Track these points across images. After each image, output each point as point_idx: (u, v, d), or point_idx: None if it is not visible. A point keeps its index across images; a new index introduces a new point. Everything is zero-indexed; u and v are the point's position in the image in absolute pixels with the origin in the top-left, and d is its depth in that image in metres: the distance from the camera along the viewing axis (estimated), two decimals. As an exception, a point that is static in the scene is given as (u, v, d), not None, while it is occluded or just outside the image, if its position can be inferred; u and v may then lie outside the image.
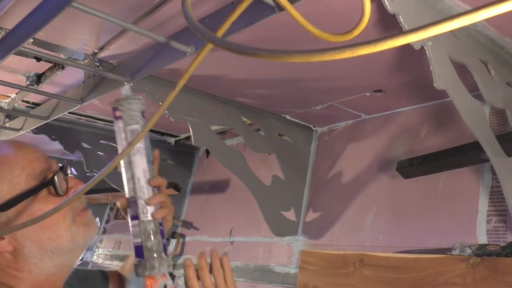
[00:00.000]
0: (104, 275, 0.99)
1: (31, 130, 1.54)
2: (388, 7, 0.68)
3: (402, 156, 1.24)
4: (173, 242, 2.01)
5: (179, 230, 2.02)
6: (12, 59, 1.02)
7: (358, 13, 0.62)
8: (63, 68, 1.18)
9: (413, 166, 1.15)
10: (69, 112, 1.37)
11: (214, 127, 1.63)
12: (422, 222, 1.16)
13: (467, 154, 1.04)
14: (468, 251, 1.00)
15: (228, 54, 0.84)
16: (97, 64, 1.10)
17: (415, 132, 1.27)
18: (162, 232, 0.85)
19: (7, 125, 1.60)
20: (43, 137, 1.67)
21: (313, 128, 1.60)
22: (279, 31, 0.89)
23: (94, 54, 1.09)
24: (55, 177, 0.73)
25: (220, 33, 0.65)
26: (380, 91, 1.20)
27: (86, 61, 1.10)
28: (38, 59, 1.11)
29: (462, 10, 0.78)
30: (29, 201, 0.70)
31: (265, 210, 1.40)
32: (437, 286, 1.02)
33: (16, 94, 1.45)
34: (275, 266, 1.50)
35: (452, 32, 0.81)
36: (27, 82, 1.26)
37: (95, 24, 0.95)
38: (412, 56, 0.91)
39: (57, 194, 0.73)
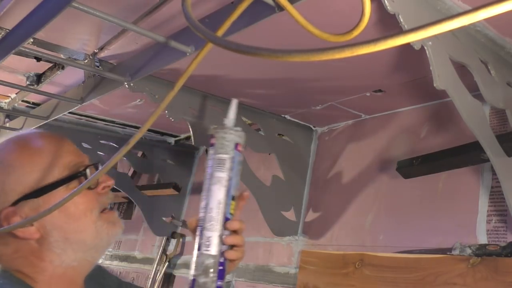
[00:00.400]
0: None
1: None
2: (388, 7, 0.68)
3: (402, 156, 1.24)
4: (173, 242, 2.01)
5: (179, 230, 2.02)
6: (12, 59, 1.02)
7: (358, 13, 0.62)
8: (63, 68, 1.18)
9: (413, 166, 1.15)
10: (69, 112, 1.37)
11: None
12: (422, 222, 1.16)
13: (467, 154, 1.04)
14: (468, 251, 1.00)
15: (228, 54, 0.84)
16: (97, 64, 1.10)
17: (415, 132, 1.27)
18: (221, 273, 0.81)
19: (7, 125, 1.60)
20: (43, 137, 1.67)
21: (313, 128, 1.60)
22: (279, 31, 0.89)
23: (94, 54, 1.09)
24: (87, 170, 0.75)
25: (220, 33, 0.65)
26: (380, 91, 1.20)
27: (86, 61, 1.10)
28: (38, 59, 1.11)
29: (462, 10, 0.78)
30: (60, 190, 0.72)
31: (265, 210, 1.40)
32: (437, 286, 1.02)
33: (16, 94, 1.45)
34: (275, 266, 1.50)
35: (452, 32, 0.81)
36: (27, 82, 1.27)
37: (95, 24, 0.95)
38: (412, 56, 0.91)
39: (89, 186, 0.74)
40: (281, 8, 0.69)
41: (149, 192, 1.95)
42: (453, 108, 0.83)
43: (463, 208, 1.09)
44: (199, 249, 0.82)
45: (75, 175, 0.74)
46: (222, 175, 0.84)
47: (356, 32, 0.62)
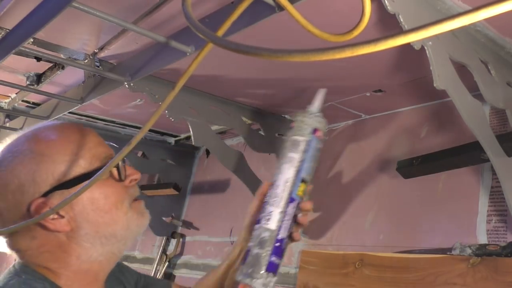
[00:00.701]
0: (166, 285, 0.98)
1: (31, 130, 1.54)
2: (388, 7, 0.68)
3: (402, 156, 1.24)
4: (173, 242, 2.01)
5: (179, 230, 2.02)
6: (12, 59, 1.02)
7: (358, 13, 0.62)
8: (63, 68, 1.18)
9: (413, 166, 1.15)
10: (69, 112, 1.37)
11: (214, 127, 1.63)
12: (422, 222, 1.16)
13: (467, 154, 1.04)
14: (468, 251, 1.00)
15: (228, 54, 0.84)
16: (97, 64, 1.10)
17: (415, 132, 1.27)
18: (278, 250, 0.80)
19: (7, 125, 1.60)
20: (43, 137, 1.67)
21: (313, 128, 1.60)
22: (279, 31, 0.89)
23: (94, 54, 1.09)
24: (119, 162, 0.73)
25: (220, 32, 0.65)
26: (380, 91, 1.20)
27: (86, 61, 1.10)
28: (38, 59, 1.11)
29: (462, 10, 0.78)
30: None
31: (265, 210, 1.40)
32: (437, 286, 1.02)
33: (16, 94, 1.45)
34: (275, 266, 1.50)
35: (452, 32, 0.81)
36: (27, 82, 1.26)
37: (95, 24, 0.95)
38: (412, 56, 0.91)
39: (119, 178, 0.73)
40: (281, 8, 0.69)
41: (149, 192, 1.95)
42: (453, 108, 0.83)
43: (463, 208, 1.09)
44: (258, 222, 0.82)
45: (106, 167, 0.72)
46: (294, 156, 0.84)
47: (356, 32, 0.62)
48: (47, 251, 0.70)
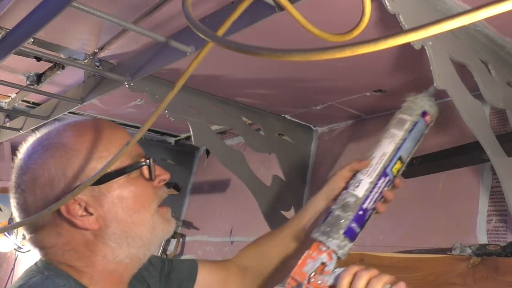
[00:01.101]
0: (192, 265, 0.95)
1: (31, 130, 1.54)
2: (389, 7, 0.68)
3: (402, 156, 1.24)
4: (173, 242, 2.01)
5: (179, 230, 2.02)
6: (12, 59, 1.02)
7: (358, 13, 0.62)
8: (63, 68, 1.18)
9: (413, 166, 1.15)
10: (69, 112, 1.37)
11: (214, 127, 1.63)
12: (422, 222, 1.16)
13: (467, 154, 1.04)
14: (468, 251, 1.00)
15: (229, 53, 0.84)
16: (97, 64, 1.10)
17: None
18: (361, 218, 0.80)
19: (7, 125, 1.60)
20: (43, 137, 1.67)
21: (313, 128, 1.60)
22: (280, 31, 0.89)
23: (94, 54, 1.09)
24: (150, 160, 0.72)
25: (220, 32, 0.65)
26: (380, 91, 1.20)
27: (86, 61, 1.10)
28: (38, 59, 1.11)
29: (462, 9, 0.78)
30: (122, 179, 0.69)
31: (265, 210, 1.40)
32: (437, 286, 1.02)
33: (16, 94, 1.45)
34: (275, 266, 1.50)
35: (452, 32, 0.81)
36: (27, 82, 1.26)
37: (95, 24, 0.95)
38: (412, 56, 0.91)
39: (150, 177, 0.72)
40: (281, 8, 0.69)
41: (149, 192, 1.95)
42: (453, 108, 0.83)
43: (463, 208, 1.09)
44: (346, 188, 0.84)
45: (138, 165, 0.71)
46: (397, 133, 0.84)
47: (356, 32, 0.62)
48: (72, 249, 0.69)
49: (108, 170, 0.67)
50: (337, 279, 0.74)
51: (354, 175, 0.86)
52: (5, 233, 2.61)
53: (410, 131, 0.84)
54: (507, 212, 1.00)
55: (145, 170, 0.72)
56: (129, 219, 0.70)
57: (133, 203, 0.70)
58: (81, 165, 0.67)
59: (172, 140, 2.03)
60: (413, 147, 0.85)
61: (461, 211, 1.09)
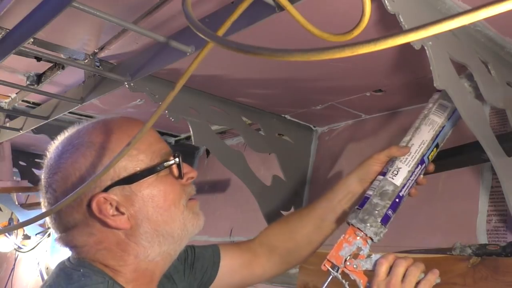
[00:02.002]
0: (214, 251, 0.95)
1: (31, 130, 1.54)
2: (389, 7, 0.68)
3: (402, 156, 1.24)
4: (173, 242, 2.01)
5: (179, 230, 2.02)
6: (12, 59, 1.02)
7: (358, 13, 0.62)
8: (63, 68, 1.18)
9: (413, 166, 1.15)
10: (69, 112, 1.37)
11: (214, 127, 1.63)
12: (422, 222, 1.16)
13: (467, 154, 1.04)
14: (468, 251, 1.00)
15: (229, 53, 0.84)
16: (97, 64, 1.10)
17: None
18: (396, 205, 0.83)
19: (7, 125, 1.60)
20: (43, 137, 1.67)
21: (313, 128, 1.60)
22: (279, 31, 0.89)
23: (94, 54, 1.09)
24: (180, 158, 0.72)
25: (220, 32, 0.65)
26: (380, 91, 1.20)
27: (86, 61, 1.10)
28: (38, 59, 1.11)
29: (462, 9, 0.78)
30: (151, 178, 0.69)
31: (265, 210, 1.40)
32: (437, 286, 1.02)
33: (16, 94, 1.45)
34: (275, 266, 1.50)
35: (452, 32, 0.81)
36: (27, 82, 1.26)
37: (95, 24, 0.95)
38: (412, 56, 0.91)
39: (179, 175, 0.72)
40: (281, 8, 0.69)
41: (149, 192, 1.95)
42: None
43: (463, 208, 1.09)
44: (384, 174, 0.84)
45: (167, 163, 0.71)
46: (438, 120, 0.84)
47: (356, 32, 0.62)
48: (104, 248, 0.69)
49: (139, 169, 0.68)
50: (375, 264, 0.79)
51: (391, 160, 0.86)
52: (5, 233, 2.61)
53: (450, 117, 0.84)
54: (507, 212, 1.00)
55: (174, 168, 0.73)
56: (160, 218, 0.70)
57: (163, 202, 0.70)
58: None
59: (172, 140, 2.03)
60: (449, 133, 0.86)
61: (461, 211, 1.09)
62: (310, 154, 1.58)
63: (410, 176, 0.84)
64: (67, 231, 0.70)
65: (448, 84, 0.78)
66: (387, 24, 0.82)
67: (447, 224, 1.10)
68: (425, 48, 0.74)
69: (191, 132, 1.29)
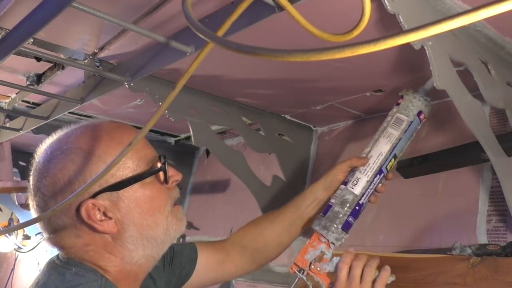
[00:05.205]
0: (192, 249, 0.98)
1: (31, 130, 1.54)
2: (388, 7, 0.68)
3: (402, 156, 1.24)
4: (173, 242, 2.01)
5: (179, 230, 2.02)
6: (12, 59, 1.02)
7: (358, 13, 0.62)
8: (63, 68, 1.18)
9: (413, 166, 1.15)
10: (69, 112, 1.37)
11: (214, 127, 1.63)
12: (422, 222, 1.16)
13: (467, 154, 1.04)
14: (468, 251, 1.00)
15: (229, 54, 0.84)
16: (97, 64, 1.10)
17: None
18: (357, 212, 0.90)
19: (7, 125, 1.60)
20: (43, 137, 1.66)
21: (313, 128, 1.60)
22: (279, 31, 0.89)
23: (94, 54, 1.09)
24: (166, 165, 0.73)
25: (220, 33, 0.65)
26: (380, 91, 1.20)
27: (86, 61, 1.10)
28: (38, 59, 1.11)
29: (462, 10, 0.78)
30: (137, 185, 0.70)
31: (265, 210, 1.40)
32: (437, 286, 1.02)
33: (16, 94, 1.45)
34: (275, 266, 1.50)
35: (452, 32, 0.81)
36: (27, 82, 1.26)
37: (95, 24, 0.95)
38: (412, 56, 0.91)
39: (165, 181, 0.73)
40: (281, 8, 0.69)
41: (149, 192, 1.95)
42: (453, 108, 0.83)
43: (463, 208, 1.09)
44: (345, 184, 0.91)
45: (155, 170, 0.72)
46: (394, 133, 0.90)
47: (356, 32, 0.62)
48: (92, 250, 0.70)
49: (126, 176, 0.69)
50: (336, 267, 0.87)
51: (352, 170, 0.93)
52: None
53: (406, 130, 0.90)
54: (507, 212, 1.00)
55: (160, 173, 0.73)
56: (145, 222, 0.71)
57: (149, 207, 0.71)
58: (100, 171, 0.67)
59: (172, 140, 2.03)
60: (406, 144, 0.92)
61: (461, 211, 1.09)
62: (310, 154, 1.58)
63: (369, 186, 0.90)
64: (55, 233, 0.71)
65: (448, 84, 0.78)
66: (387, 24, 0.82)
67: (447, 224, 1.10)
68: (425, 48, 0.74)
69: (191, 132, 1.29)
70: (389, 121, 0.91)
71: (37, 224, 0.72)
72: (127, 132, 0.73)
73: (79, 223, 0.69)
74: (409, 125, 0.90)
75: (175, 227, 0.75)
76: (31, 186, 0.72)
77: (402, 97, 0.92)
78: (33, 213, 0.72)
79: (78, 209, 0.68)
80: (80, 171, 0.68)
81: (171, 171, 0.75)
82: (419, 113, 0.90)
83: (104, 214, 0.69)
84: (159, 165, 0.73)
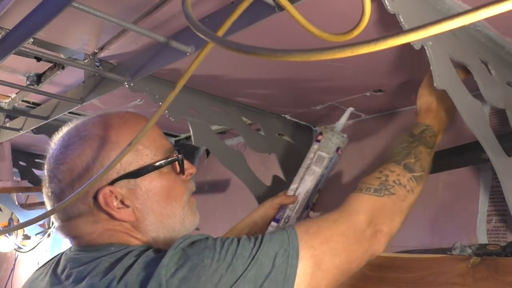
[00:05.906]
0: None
1: (31, 130, 1.54)
2: (388, 7, 0.68)
3: (402, 156, 1.24)
4: (173, 242, 2.01)
5: (179, 230, 2.02)
6: (12, 59, 1.02)
7: (358, 13, 0.62)
8: (63, 68, 1.18)
9: (413, 166, 1.15)
10: (69, 112, 1.37)
11: (214, 127, 1.63)
12: (422, 222, 1.16)
13: (467, 154, 1.04)
14: (468, 251, 1.00)
15: (229, 54, 0.84)
16: (97, 64, 1.10)
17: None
18: None
19: (7, 125, 1.60)
20: (43, 137, 1.67)
21: (313, 128, 1.60)
22: (279, 31, 0.89)
23: (94, 54, 1.09)
24: (182, 155, 0.74)
25: (220, 33, 0.65)
26: (380, 91, 1.20)
27: (86, 61, 1.10)
28: (38, 59, 1.11)
29: (462, 10, 0.78)
30: (154, 174, 0.71)
31: (265, 210, 1.40)
32: (437, 286, 1.02)
33: (16, 94, 1.45)
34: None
35: (452, 32, 0.81)
36: (27, 82, 1.26)
37: (95, 24, 0.95)
38: (412, 56, 0.91)
39: (181, 171, 0.74)
40: (281, 8, 0.69)
41: (149, 192, 1.95)
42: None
43: (463, 208, 1.09)
44: (277, 221, 0.96)
45: (173, 159, 0.73)
46: (318, 170, 0.97)
47: (356, 32, 0.62)
48: (117, 233, 0.70)
49: (144, 164, 0.69)
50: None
51: (282, 207, 0.98)
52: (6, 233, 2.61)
53: (327, 167, 0.98)
54: (507, 212, 1.00)
55: (176, 164, 0.74)
56: (164, 211, 0.72)
57: (166, 196, 0.72)
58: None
59: (172, 140, 2.03)
60: (327, 176, 0.99)
61: (461, 211, 1.09)
62: (310, 154, 1.58)
63: (299, 220, 0.96)
64: (70, 220, 0.71)
65: (448, 84, 0.78)
66: (387, 24, 0.82)
67: (447, 224, 1.10)
68: (425, 48, 0.74)
69: (191, 132, 1.29)
70: (312, 158, 0.98)
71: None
72: (142, 121, 0.74)
73: (96, 210, 0.69)
74: (330, 161, 0.97)
75: (190, 218, 0.76)
76: (46, 173, 0.72)
77: (321, 133, 0.98)
78: (46, 202, 0.72)
79: (95, 197, 0.68)
80: (98, 157, 0.68)
81: (186, 164, 0.76)
82: (338, 149, 0.97)
83: (122, 202, 0.69)
84: (175, 155, 0.74)
